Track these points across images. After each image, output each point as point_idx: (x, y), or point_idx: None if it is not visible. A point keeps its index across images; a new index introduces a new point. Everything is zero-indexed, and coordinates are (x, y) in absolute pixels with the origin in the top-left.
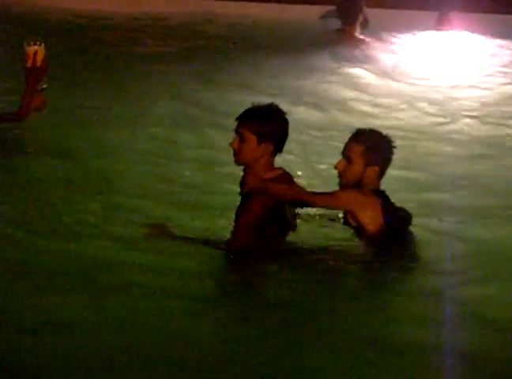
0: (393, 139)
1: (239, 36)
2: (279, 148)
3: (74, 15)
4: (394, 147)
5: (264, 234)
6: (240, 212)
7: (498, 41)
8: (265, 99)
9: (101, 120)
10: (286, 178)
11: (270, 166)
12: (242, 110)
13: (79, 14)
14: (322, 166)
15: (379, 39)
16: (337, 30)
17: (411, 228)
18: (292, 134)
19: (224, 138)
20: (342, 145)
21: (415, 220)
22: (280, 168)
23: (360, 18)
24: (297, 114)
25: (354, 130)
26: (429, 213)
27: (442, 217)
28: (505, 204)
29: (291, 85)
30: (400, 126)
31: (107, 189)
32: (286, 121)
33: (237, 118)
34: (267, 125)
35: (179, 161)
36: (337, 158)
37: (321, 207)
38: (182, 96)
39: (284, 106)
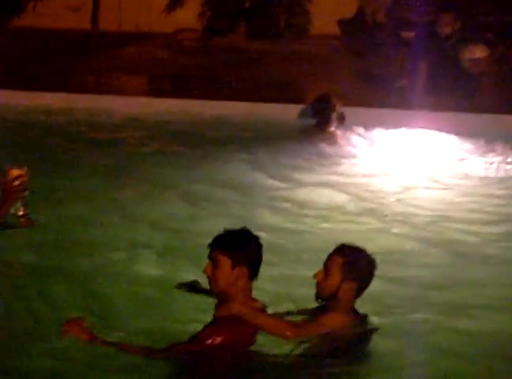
0: (377, 261)
1: (210, 135)
2: (254, 272)
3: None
4: (376, 268)
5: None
6: (210, 331)
7: (467, 140)
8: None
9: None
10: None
11: (249, 293)
12: (214, 236)
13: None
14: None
15: (355, 135)
16: (313, 127)
17: None
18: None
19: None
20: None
21: None
22: (261, 302)
23: (335, 116)
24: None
25: (339, 243)
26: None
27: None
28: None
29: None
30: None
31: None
32: (259, 245)
33: (210, 244)
34: (240, 248)
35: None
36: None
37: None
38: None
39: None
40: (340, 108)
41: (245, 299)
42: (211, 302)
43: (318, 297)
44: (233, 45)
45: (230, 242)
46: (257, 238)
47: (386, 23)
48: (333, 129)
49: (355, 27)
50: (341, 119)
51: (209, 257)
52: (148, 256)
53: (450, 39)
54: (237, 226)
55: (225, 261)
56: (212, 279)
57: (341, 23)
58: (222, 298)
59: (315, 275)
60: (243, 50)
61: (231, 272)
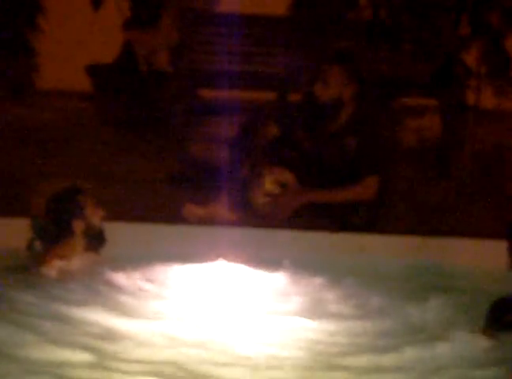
0: None
1: None
2: None
3: None
4: None
5: None
6: None
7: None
8: None
9: None
10: None
11: None
12: None
13: None
14: None
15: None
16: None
17: None
18: None
19: None
20: None
21: None
22: None
23: (82, 227)
24: None
25: None
26: None
27: None
28: None
29: None
30: None
31: None
32: None
33: None
34: None
35: None
36: None
37: None
38: None
39: None
40: (96, 218)
41: None
42: None
43: None
44: None
45: None
46: None
47: (173, 73)
48: (76, 253)
49: (116, 76)
50: (98, 238)
51: None
52: None
53: None
54: None
55: None
56: None
57: (93, 69)
58: None
59: None
60: None
61: None
